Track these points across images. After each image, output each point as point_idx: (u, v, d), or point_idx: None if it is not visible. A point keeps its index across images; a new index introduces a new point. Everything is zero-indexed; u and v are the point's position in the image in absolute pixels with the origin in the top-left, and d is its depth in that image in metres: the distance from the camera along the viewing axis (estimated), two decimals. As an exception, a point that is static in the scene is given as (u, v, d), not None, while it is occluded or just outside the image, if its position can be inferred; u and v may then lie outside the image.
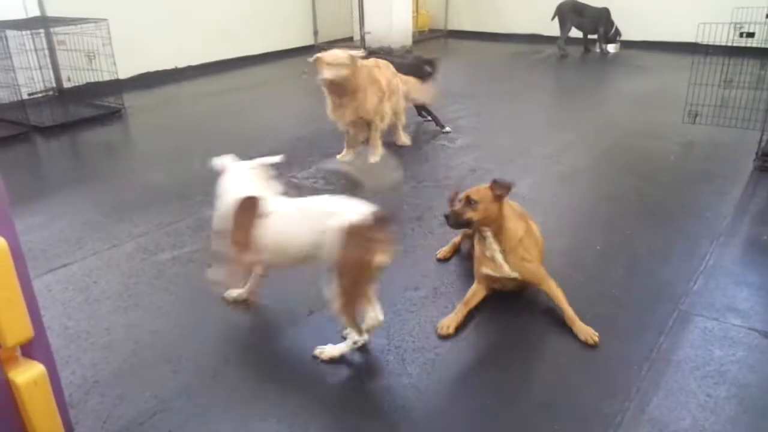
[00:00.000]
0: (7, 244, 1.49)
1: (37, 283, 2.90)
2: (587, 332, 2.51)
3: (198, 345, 2.57)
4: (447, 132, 5.29)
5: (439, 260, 3.18)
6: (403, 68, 4.95)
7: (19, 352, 1.65)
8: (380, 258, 2.24)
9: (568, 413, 2.18)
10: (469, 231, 3.06)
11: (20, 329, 1.56)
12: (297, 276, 3.04)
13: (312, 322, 2.69)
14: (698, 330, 2.58)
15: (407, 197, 3.84)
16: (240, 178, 2.58)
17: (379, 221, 2.22)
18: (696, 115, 4.86)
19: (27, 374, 1.61)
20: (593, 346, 2.47)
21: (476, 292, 2.74)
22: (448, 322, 2.60)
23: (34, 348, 1.66)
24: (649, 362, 2.39)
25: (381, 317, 2.39)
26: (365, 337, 2.45)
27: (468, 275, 2.98)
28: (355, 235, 2.20)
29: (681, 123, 4.92)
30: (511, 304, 2.78)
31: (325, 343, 2.48)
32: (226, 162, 2.66)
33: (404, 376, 2.36)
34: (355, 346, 2.44)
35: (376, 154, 4.51)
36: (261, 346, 2.54)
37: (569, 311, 2.59)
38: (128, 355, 2.51)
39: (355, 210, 2.25)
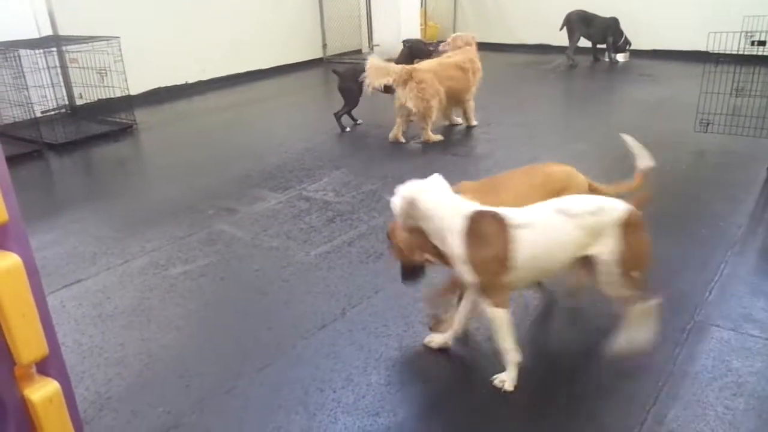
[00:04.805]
0: (22, 262, 1.50)
1: (51, 299, 2.92)
2: None
3: (211, 359, 2.57)
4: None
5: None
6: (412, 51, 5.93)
7: (34, 370, 1.66)
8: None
9: (584, 426, 2.15)
10: None
11: (35, 346, 1.56)
12: (309, 289, 3.05)
13: (323, 335, 2.68)
14: (715, 341, 2.55)
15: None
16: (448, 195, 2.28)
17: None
18: (708, 124, 4.83)
19: (42, 392, 1.61)
20: None
21: None
22: None
23: (49, 365, 1.66)
24: (665, 373, 2.36)
25: None
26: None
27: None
28: (632, 225, 2.26)
29: (693, 132, 4.89)
30: (524, 321, 2.76)
31: (337, 356, 2.47)
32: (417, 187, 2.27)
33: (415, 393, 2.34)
34: None
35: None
36: (274, 361, 2.54)
37: None
38: (141, 370, 2.51)
39: (616, 204, 2.30)
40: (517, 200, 2.42)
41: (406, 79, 5.16)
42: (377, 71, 5.21)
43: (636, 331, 2.37)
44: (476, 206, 2.25)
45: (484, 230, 2.19)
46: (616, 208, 2.28)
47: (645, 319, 2.36)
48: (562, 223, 2.24)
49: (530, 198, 2.44)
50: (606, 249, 2.26)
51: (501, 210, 2.24)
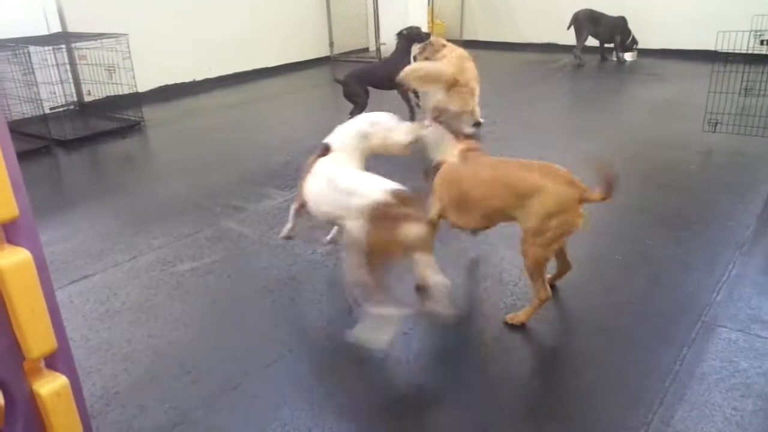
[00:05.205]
0: (32, 257, 1.51)
1: (59, 294, 2.92)
2: None
3: (218, 356, 2.58)
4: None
5: None
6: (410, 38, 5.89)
7: (42, 364, 1.67)
8: (409, 234, 2.20)
9: (589, 426, 2.15)
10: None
11: (44, 341, 1.58)
12: (315, 287, 3.05)
13: (329, 332, 2.69)
14: (723, 341, 2.54)
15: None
16: (351, 127, 2.85)
17: (404, 199, 2.23)
18: (716, 124, 4.81)
19: (50, 386, 1.63)
20: None
21: None
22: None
23: (58, 360, 1.67)
24: (672, 374, 2.36)
25: (443, 280, 2.42)
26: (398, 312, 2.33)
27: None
28: (379, 215, 2.19)
29: (701, 132, 4.87)
30: (528, 320, 2.76)
31: (343, 353, 2.47)
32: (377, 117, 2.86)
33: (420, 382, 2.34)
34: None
35: None
36: (280, 358, 2.54)
37: None
38: (148, 366, 2.52)
39: (377, 188, 2.26)
40: (480, 184, 2.64)
41: (453, 84, 5.02)
42: (424, 79, 5.02)
43: (372, 329, 2.35)
44: (332, 149, 2.77)
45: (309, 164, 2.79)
46: (368, 196, 2.30)
47: (382, 321, 2.32)
48: (328, 190, 2.59)
49: (492, 188, 2.59)
50: (354, 228, 2.33)
51: (328, 157, 2.74)
